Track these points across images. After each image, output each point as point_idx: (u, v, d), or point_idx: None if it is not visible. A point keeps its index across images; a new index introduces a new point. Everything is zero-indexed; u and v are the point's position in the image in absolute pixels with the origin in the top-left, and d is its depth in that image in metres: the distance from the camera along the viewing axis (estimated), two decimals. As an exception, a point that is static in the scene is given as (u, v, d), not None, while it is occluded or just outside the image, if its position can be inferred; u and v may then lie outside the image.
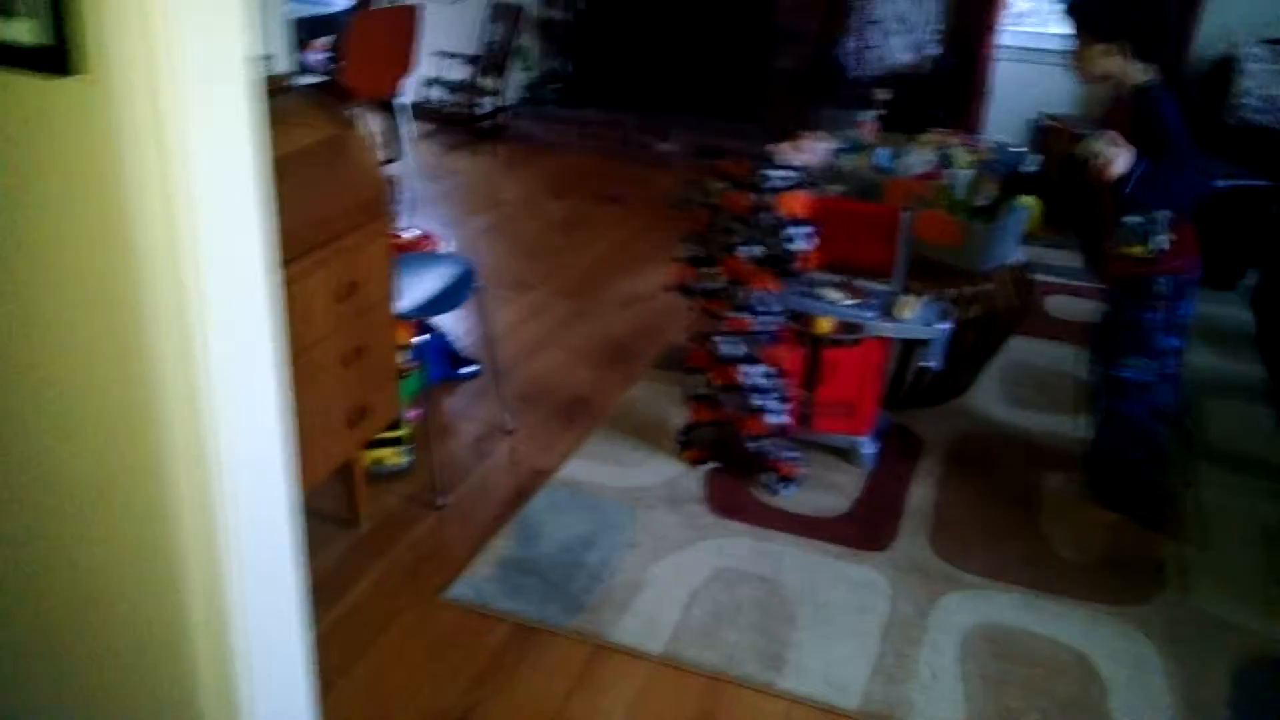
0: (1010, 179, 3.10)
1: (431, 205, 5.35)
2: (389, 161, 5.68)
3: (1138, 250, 2.54)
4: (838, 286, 2.98)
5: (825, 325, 2.88)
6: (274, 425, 1.46)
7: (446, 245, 4.39)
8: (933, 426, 3.26)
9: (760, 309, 2.75)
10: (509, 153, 6.22)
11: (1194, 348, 3.87)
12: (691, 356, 2.93)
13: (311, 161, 2.25)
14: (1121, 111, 2.56)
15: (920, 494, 2.91)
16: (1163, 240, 2.52)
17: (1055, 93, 5.66)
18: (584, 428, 3.18)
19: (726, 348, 2.79)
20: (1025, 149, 3.26)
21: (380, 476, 2.87)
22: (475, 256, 4.62)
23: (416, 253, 3.16)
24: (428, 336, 3.34)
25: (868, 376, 2.95)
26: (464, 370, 3.47)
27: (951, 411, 3.36)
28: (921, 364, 2.90)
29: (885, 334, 2.88)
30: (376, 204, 2.45)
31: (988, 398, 3.46)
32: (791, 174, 2.67)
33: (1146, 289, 2.59)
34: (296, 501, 1.57)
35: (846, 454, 3.04)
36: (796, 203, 2.65)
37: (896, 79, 5.69)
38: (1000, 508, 2.87)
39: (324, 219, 2.31)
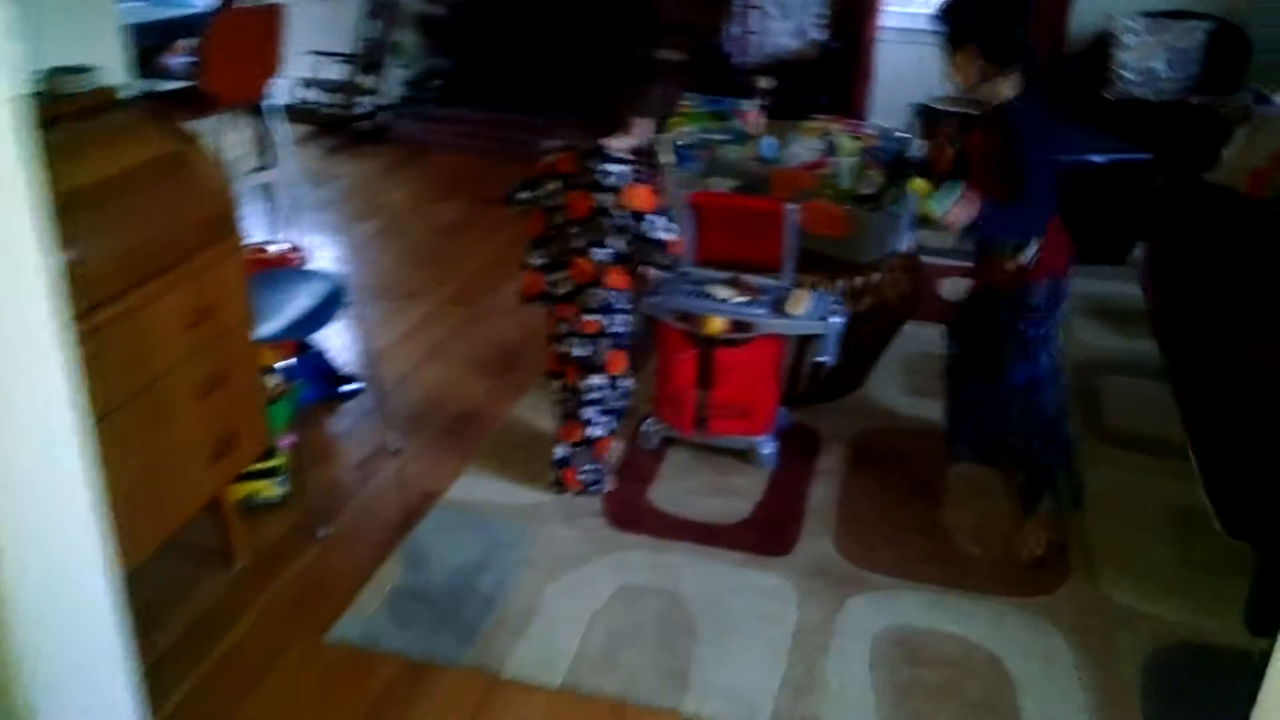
0: (895, 165, 3.05)
1: (313, 212, 5.11)
2: (262, 169, 5.42)
3: (1008, 263, 2.50)
4: (726, 284, 2.89)
5: (715, 325, 2.78)
6: (80, 501, 1.28)
7: (320, 257, 4.20)
8: (832, 422, 3.20)
9: (615, 307, 2.64)
10: (391, 155, 6.01)
11: (1087, 326, 3.92)
12: (548, 360, 2.82)
13: (144, 181, 2.05)
14: (983, 128, 2.52)
15: (822, 493, 2.85)
16: (1031, 253, 2.49)
17: (939, 74, 5.67)
18: (474, 443, 3.04)
19: (579, 350, 2.66)
20: (909, 135, 3.22)
21: (256, 509, 2.68)
22: (360, 265, 4.45)
23: (283, 269, 2.96)
24: (300, 358, 3.17)
25: (763, 376, 2.87)
26: (345, 389, 3.29)
27: (850, 405, 3.30)
28: (816, 360, 2.83)
29: (777, 331, 2.80)
30: (224, 221, 2.26)
31: (886, 389, 3.41)
32: (626, 168, 2.54)
33: (1022, 300, 2.53)
34: (119, 587, 1.38)
35: (745, 455, 2.96)
36: (640, 196, 2.54)
37: (781, 65, 5.65)
38: (903, 502, 2.82)
39: (166, 241, 2.13)
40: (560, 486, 2.79)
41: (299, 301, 2.62)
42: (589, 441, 2.76)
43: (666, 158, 3.37)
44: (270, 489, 2.69)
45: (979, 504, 2.83)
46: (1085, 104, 5.14)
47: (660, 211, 2.54)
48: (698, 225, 2.94)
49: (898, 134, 3.27)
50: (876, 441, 3.11)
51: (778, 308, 2.79)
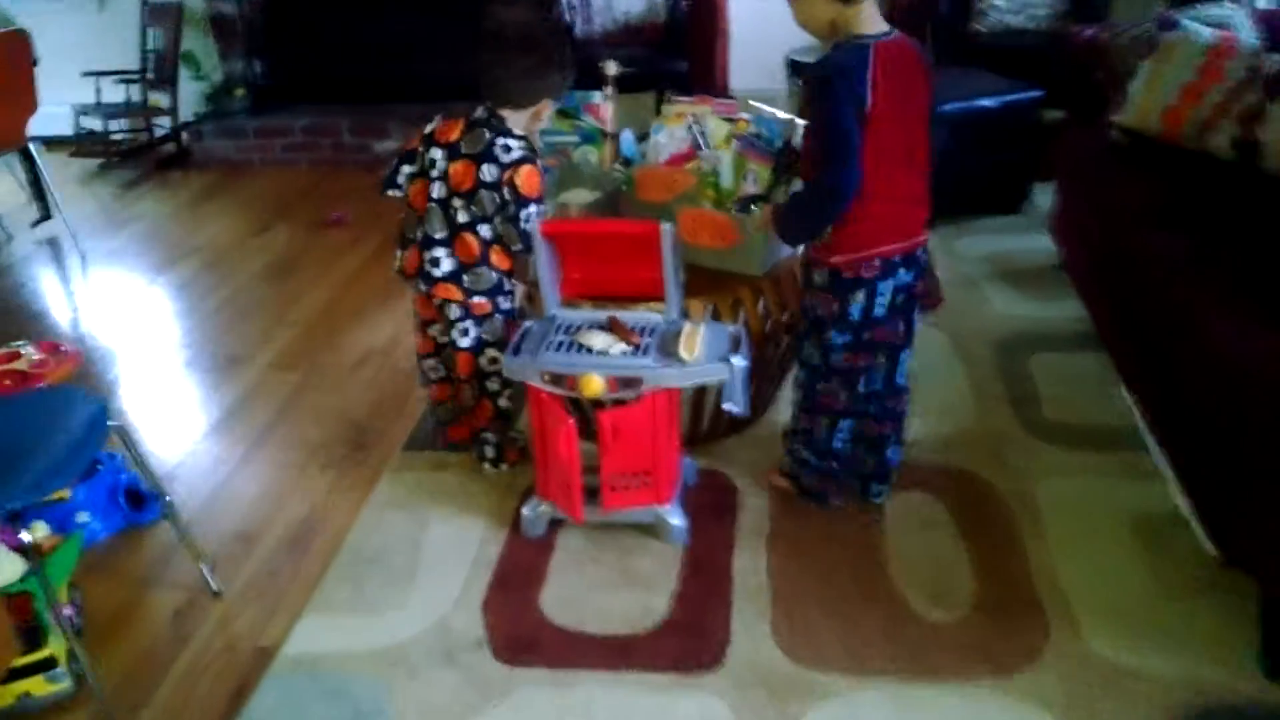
0: (782, 157, 2.55)
1: (108, 265, 4.37)
2: (41, 221, 4.64)
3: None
4: (602, 328, 2.36)
5: (596, 387, 2.26)
6: None
7: (104, 336, 3.51)
8: (743, 460, 2.73)
9: (505, 289, 2.51)
10: (200, 181, 5.25)
11: (999, 291, 3.53)
12: (420, 346, 2.70)
13: None
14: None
15: (748, 564, 2.37)
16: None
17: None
18: (317, 566, 2.45)
19: (472, 334, 2.53)
20: (790, 116, 2.72)
21: (33, 715, 2.06)
22: (165, 330, 3.75)
23: (20, 397, 2.30)
24: (83, 482, 2.53)
25: (660, 434, 2.35)
26: (147, 514, 2.65)
27: (759, 435, 2.83)
28: (723, 407, 2.33)
29: (671, 385, 2.29)
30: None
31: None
32: (522, 144, 2.37)
33: (807, 277, 2.32)
34: None
35: (651, 530, 2.46)
36: (529, 179, 2.35)
37: (629, 33, 5.10)
38: (841, 559, 2.36)
39: None
40: (495, 464, 2.72)
41: (39, 451, 1.97)
42: (504, 414, 2.66)
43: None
44: (48, 685, 2.07)
45: (923, 541, 2.40)
46: (956, 40, 4.75)
47: (539, 201, 2.36)
48: (557, 258, 2.41)
49: (776, 115, 2.77)
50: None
51: (668, 351, 2.28)
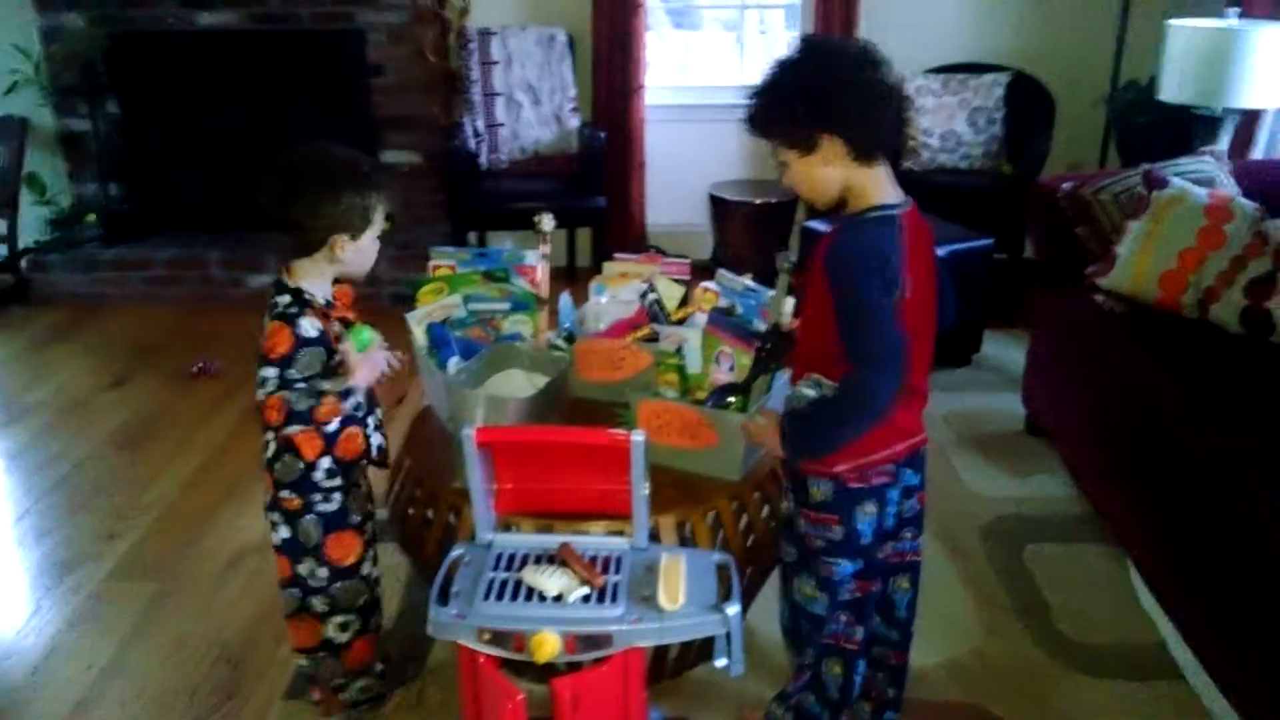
0: (768, 342, 2.12)
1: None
2: None
3: None
4: (556, 560, 1.86)
5: (550, 647, 1.73)
6: None
7: None
8: (723, 702, 2.23)
9: (322, 485, 1.97)
10: (44, 319, 4.54)
11: (971, 464, 3.17)
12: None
13: None
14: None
15: None
16: None
17: (724, 154, 4.94)
18: None
19: (274, 536, 2.00)
20: (757, 287, 2.32)
21: None
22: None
23: None
24: None
25: (628, 700, 1.84)
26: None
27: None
28: (715, 664, 1.84)
29: (649, 643, 1.79)
30: None
31: (772, 626, 2.46)
32: (286, 299, 1.90)
33: (799, 493, 1.85)
34: None
35: (619, 819, 1.92)
36: (275, 337, 1.85)
37: (540, 162, 4.70)
38: None
39: None
40: (323, 706, 2.16)
41: None
42: (332, 647, 2.06)
43: (422, 350, 2.31)
44: None
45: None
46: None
47: (276, 364, 1.82)
48: (494, 466, 1.91)
49: (749, 287, 2.36)
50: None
51: (641, 594, 1.79)
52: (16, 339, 4.37)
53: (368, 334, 1.91)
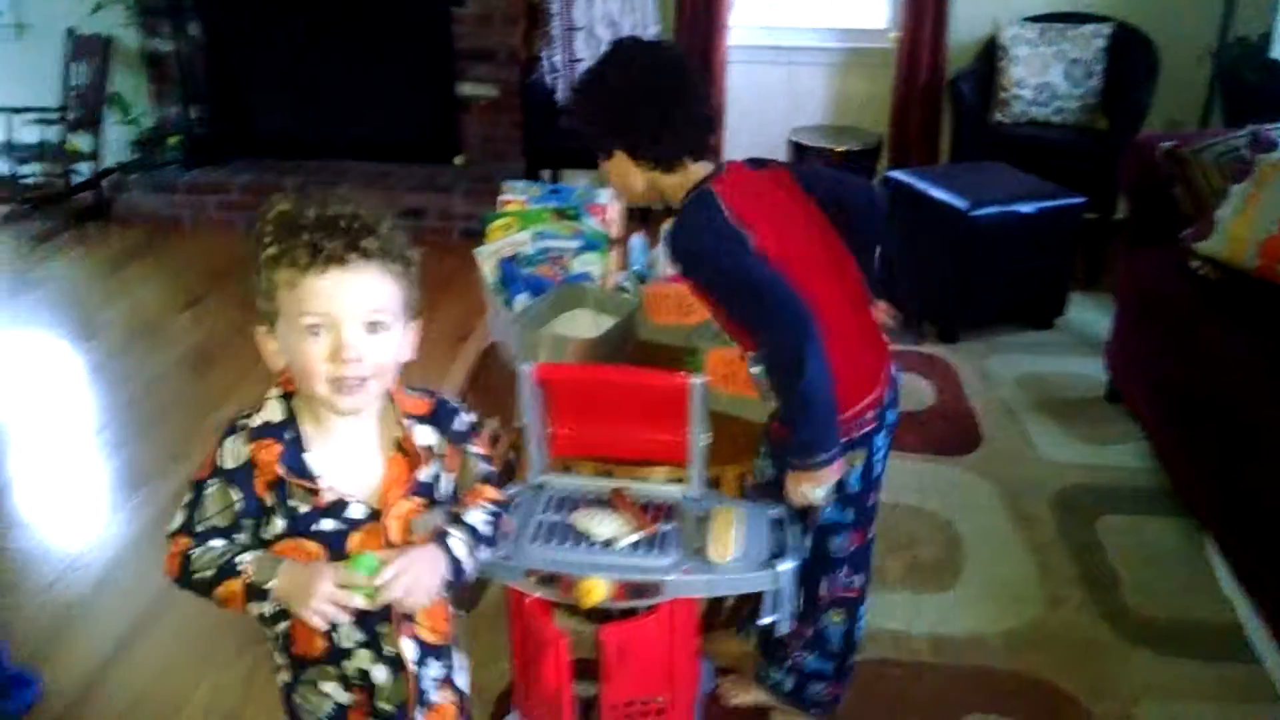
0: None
1: (10, 333, 3.76)
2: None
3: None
4: (608, 505, 1.83)
5: (599, 595, 1.71)
6: None
7: None
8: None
9: None
10: (123, 239, 4.62)
11: (1044, 429, 3.06)
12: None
13: None
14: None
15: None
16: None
17: (807, 99, 4.81)
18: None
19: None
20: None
21: None
22: (67, 429, 3.14)
23: None
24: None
25: (679, 651, 1.82)
26: (11, 704, 2.05)
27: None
28: (762, 622, 1.80)
29: (697, 595, 1.76)
30: None
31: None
32: None
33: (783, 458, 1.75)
34: None
35: (661, 765, 1.91)
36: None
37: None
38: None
39: None
40: None
41: None
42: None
43: (490, 286, 2.28)
44: None
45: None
46: (976, 132, 4.35)
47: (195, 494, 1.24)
48: (548, 408, 1.89)
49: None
50: (853, 688, 2.06)
51: (693, 545, 1.76)
52: (95, 257, 4.46)
53: (374, 559, 1.18)
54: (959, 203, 3.45)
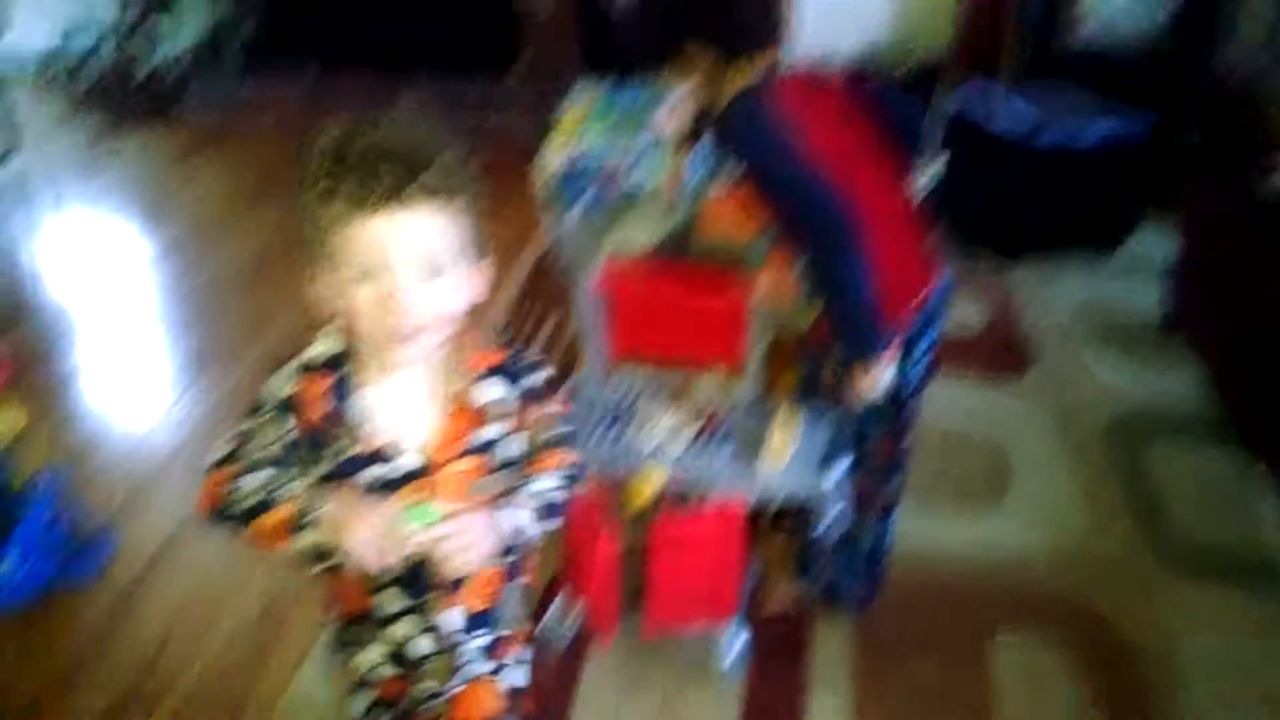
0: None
1: (77, 220, 3.85)
2: (6, 155, 4.12)
3: None
4: (664, 407, 1.88)
5: (652, 488, 1.77)
6: None
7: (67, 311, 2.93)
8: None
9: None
10: (187, 134, 4.66)
11: (1100, 355, 3.04)
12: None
13: None
14: None
15: (827, 708, 1.90)
16: None
17: (869, 15, 4.68)
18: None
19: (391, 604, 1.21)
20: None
21: None
22: (133, 313, 3.24)
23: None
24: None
25: (727, 546, 1.87)
26: (83, 566, 2.17)
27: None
28: (814, 537, 1.85)
29: (748, 496, 1.80)
30: None
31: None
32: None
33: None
34: None
35: (705, 655, 1.98)
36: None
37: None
38: (947, 709, 1.91)
39: None
40: None
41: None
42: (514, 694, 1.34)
43: (550, 192, 2.29)
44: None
45: (1045, 711, 1.93)
46: (1044, 53, 4.21)
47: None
48: (611, 309, 1.92)
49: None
50: (891, 599, 2.11)
51: (747, 448, 1.80)
52: (159, 151, 4.52)
53: (435, 511, 1.08)
54: (1024, 124, 3.38)
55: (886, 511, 1.97)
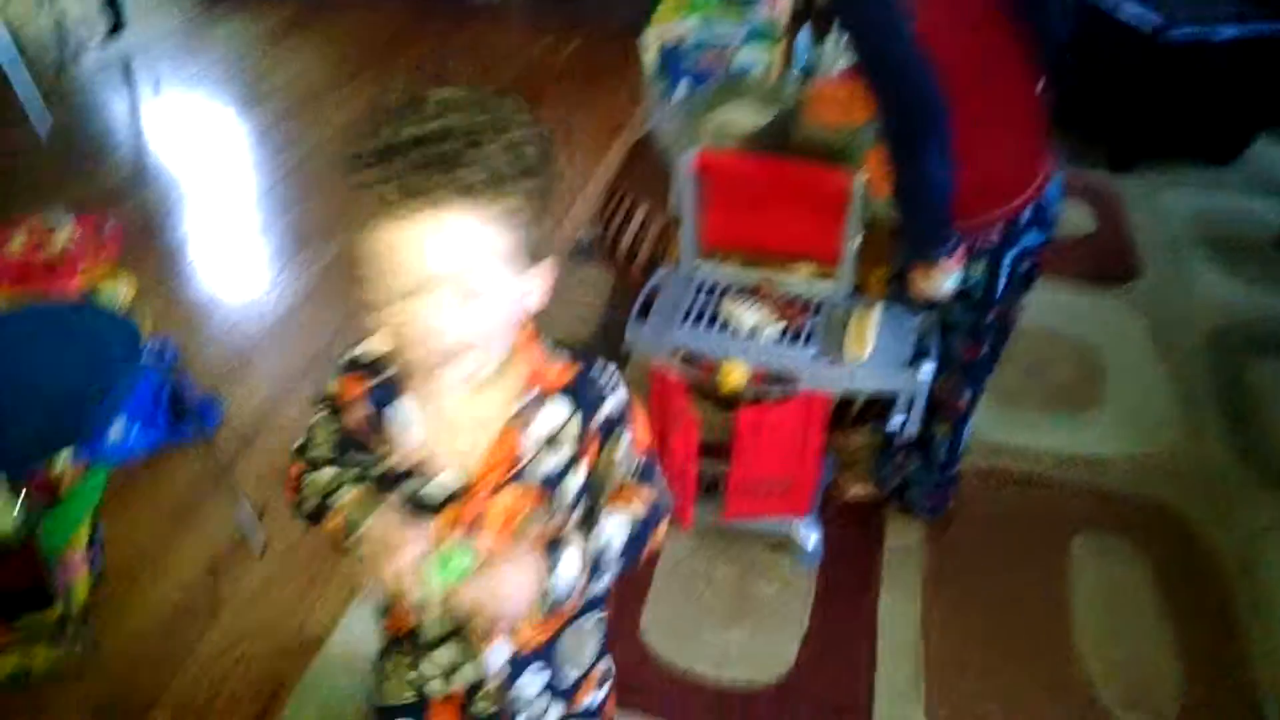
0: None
1: (179, 98, 3.93)
2: (112, 33, 4.21)
3: None
4: (755, 297, 1.88)
5: (738, 379, 1.79)
6: None
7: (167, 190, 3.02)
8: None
9: None
10: (285, 10, 4.69)
11: (1206, 267, 2.94)
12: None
13: None
14: None
15: (897, 610, 1.93)
16: None
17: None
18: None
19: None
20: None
21: (35, 688, 1.73)
22: (235, 190, 3.33)
23: (39, 311, 1.89)
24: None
25: (807, 438, 1.89)
26: (191, 428, 2.28)
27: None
28: (890, 428, 1.85)
29: (832, 388, 1.80)
30: None
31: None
32: None
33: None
34: None
35: (779, 546, 2.03)
36: None
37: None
38: (1018, 625, 1.91)
39: None
40: None
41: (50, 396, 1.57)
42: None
43: (651, 74, 2.27)
44: (47, 653, 1.73)
45: (1120, 614, 1.93)
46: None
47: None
48: (707, 197, 1.91)
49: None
50: (968, 499, 2.13)
51: (833, 341, 1.80)
52: (260, 24, 4.55)
53: (468, 559, 0.93)
54: (1151, 19, 3.20)
55: (961, 420, 1.94)
